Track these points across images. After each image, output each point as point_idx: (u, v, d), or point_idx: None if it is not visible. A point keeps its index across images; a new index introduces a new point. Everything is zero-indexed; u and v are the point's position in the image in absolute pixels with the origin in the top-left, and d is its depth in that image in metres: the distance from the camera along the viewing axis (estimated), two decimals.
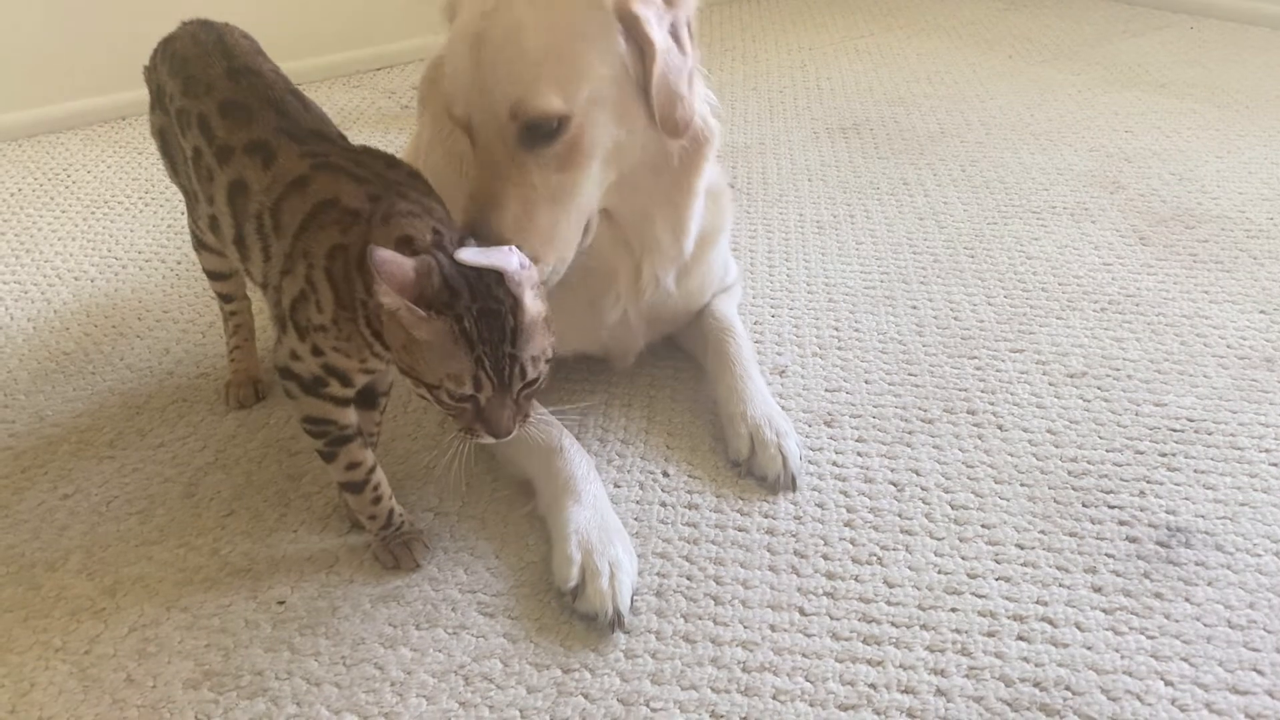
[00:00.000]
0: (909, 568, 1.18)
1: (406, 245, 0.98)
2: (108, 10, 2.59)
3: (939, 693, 1.02)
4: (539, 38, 1.10)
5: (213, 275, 1.43)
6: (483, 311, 0.95)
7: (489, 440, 1.01)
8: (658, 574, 1.18)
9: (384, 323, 0.98)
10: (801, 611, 1.12)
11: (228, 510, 1.29)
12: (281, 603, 1.15)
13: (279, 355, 1.10)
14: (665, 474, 1.34)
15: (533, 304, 0.97)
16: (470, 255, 0.97)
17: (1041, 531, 1.22)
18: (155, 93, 1.28)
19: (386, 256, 0.92)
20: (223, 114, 1.14)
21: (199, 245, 1.40)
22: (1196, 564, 1.17)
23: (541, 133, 1.12)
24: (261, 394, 1.51)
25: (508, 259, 0.97)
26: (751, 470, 1.32)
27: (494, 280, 0.96)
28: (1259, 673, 1.03)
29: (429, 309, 0.93)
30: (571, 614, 1.12)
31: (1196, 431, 1.39)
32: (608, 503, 1.23)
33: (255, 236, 1.10)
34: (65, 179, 2.32)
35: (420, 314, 0.92)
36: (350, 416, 1.12)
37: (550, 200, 1.15)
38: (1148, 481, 1.30)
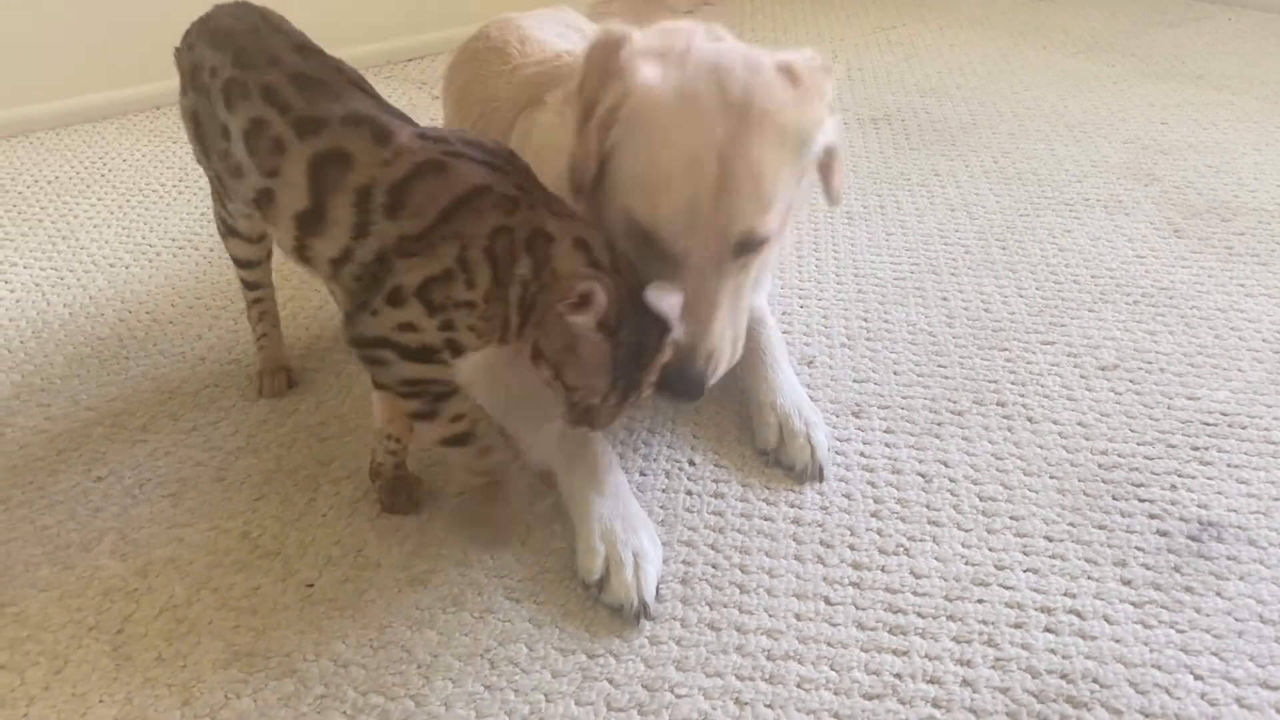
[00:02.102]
0: (936, 558, 1.17)
1: (583, 249, 1.05)
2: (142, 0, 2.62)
3: (964, 683, 1.02)
4: (773, 177, 1.16)
5: (242, 263, 1.42)
6: (633, 345, 1.04)
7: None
8: (683, 562, 1.18)
9: (549, 323, 1.04)
10: (827, 601, 1.12)
11: (258, 494, 1.31)
12: (310, 585, 1.16)
13: (370, 326, 1.07)
14: (691, 463, 1.34)
15: (668, 351, 1.09)
16: (654, 296, 1.04)
17: (1070, 524, 1.21)
18: (189, 73, 1.25)
19: (599, 295, 0.99)
20: (298, 86, 1.11)
21: (228, 232, 1.37)
22: (1228, 558, 1.15)
23: (750, 248, 1.19)
24: (294, 381, 1.52)
25: (675, 311, 1.06)
26: (779, 459, 1.32)
27: (651, 321, 1.04)
28: None
29: (601, 330, 1.02)
30: (597, 601, 1.12)
31: (1230, 425, 1.37)
32: (631, 492, 1.23)
33: (348, 209, 1.07)
34: (101, 167, 2.35)
35: (597, 337, 1.02)
36: (452, 373, 1.11)
37: (740, 299, 1.23)
38: (1179, 475, 1.28)
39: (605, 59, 1.20)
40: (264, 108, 1.11)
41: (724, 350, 1.21)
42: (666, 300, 1.05)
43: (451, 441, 1.14)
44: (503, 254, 1.04)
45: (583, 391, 1.07)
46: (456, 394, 1.12)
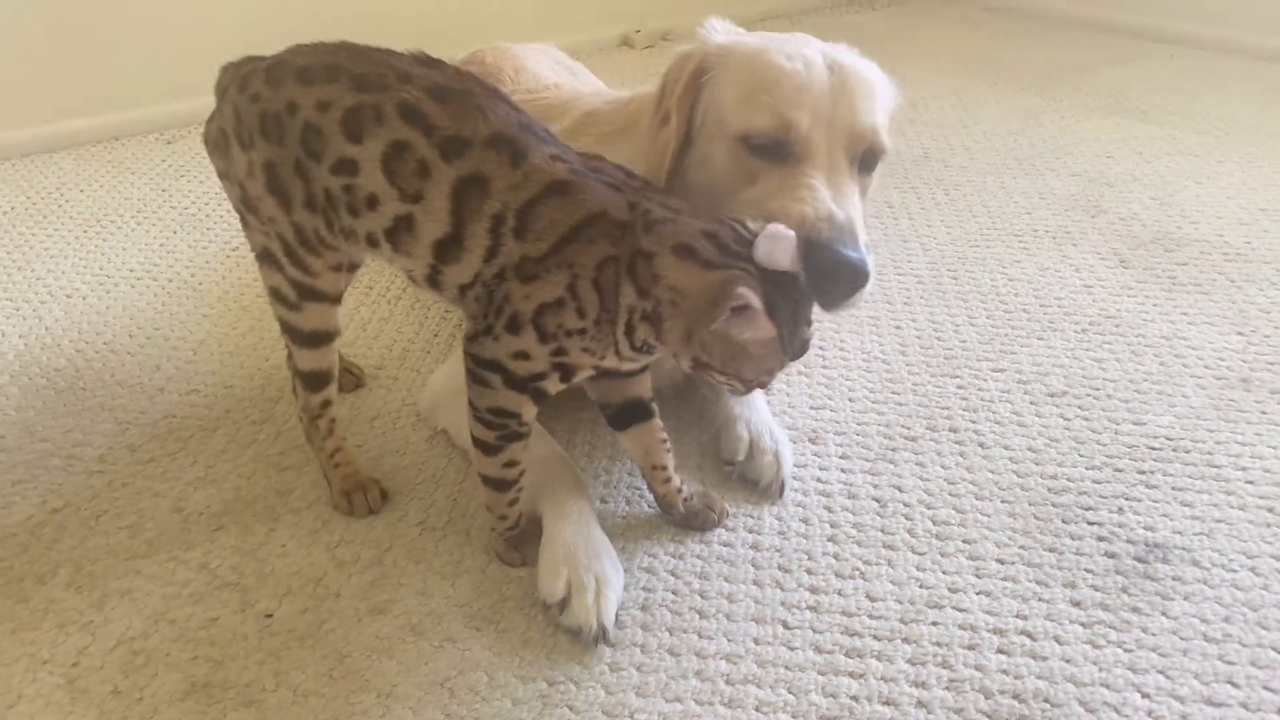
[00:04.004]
0: (891, 582, 1.19)
1: (686, 254, 1.00)
2: (102, 31, 2.61)
3: (920, 704, 1.04)
4: (878, 91, 1.24)
5: (318, 338, 1.23)
6: (791, 312, 1.01)
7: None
8: (643, 588, 1.19)
9: (708, 341, 1.01)
10: (785, 625, 1.13)
11: (216, 525, 1.30)
12: (269, 616, 1.16)
13: (489, 349, 1.06)
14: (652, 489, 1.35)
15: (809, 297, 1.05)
16: (765, 248, 1.00)
17: (1021, 547, 1.24)
18: (255, 123, 1.10)
19: (752, 298, 0.95)
20: (439, 99, 1.04)
21: (306, 295, 1.19)
22: (1173, 579, 1.19)
23: (868, 165, 1.24)
24: (387, 494, 1.34)
25: (794, 245, 1.01)
26: (745, 473, 1.35)
27: (790, 280, 1.01)
28: (1234, 685, 1.05)
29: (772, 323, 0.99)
30: (557, 627, 1.13)
31: (1174, 450, 1.41)
32: (594, 517, 1.24)
33: (484, 235, 1.04)
34: (58, 198, 2.33)
35: (773, 336, 0.99)
36: (533, 414, 1.12)
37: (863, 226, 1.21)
38: (1126, 499, 1.32)
39: (684, 63, 1.25)
40: (405, 129, 1.03)
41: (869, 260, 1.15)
42: (781, 243, 1.00)
43: (494, 484, 1.17)
44: (609, 284, 1.02)
45: (761, 379, 1.05)
46: (524, 440, 1.14)
